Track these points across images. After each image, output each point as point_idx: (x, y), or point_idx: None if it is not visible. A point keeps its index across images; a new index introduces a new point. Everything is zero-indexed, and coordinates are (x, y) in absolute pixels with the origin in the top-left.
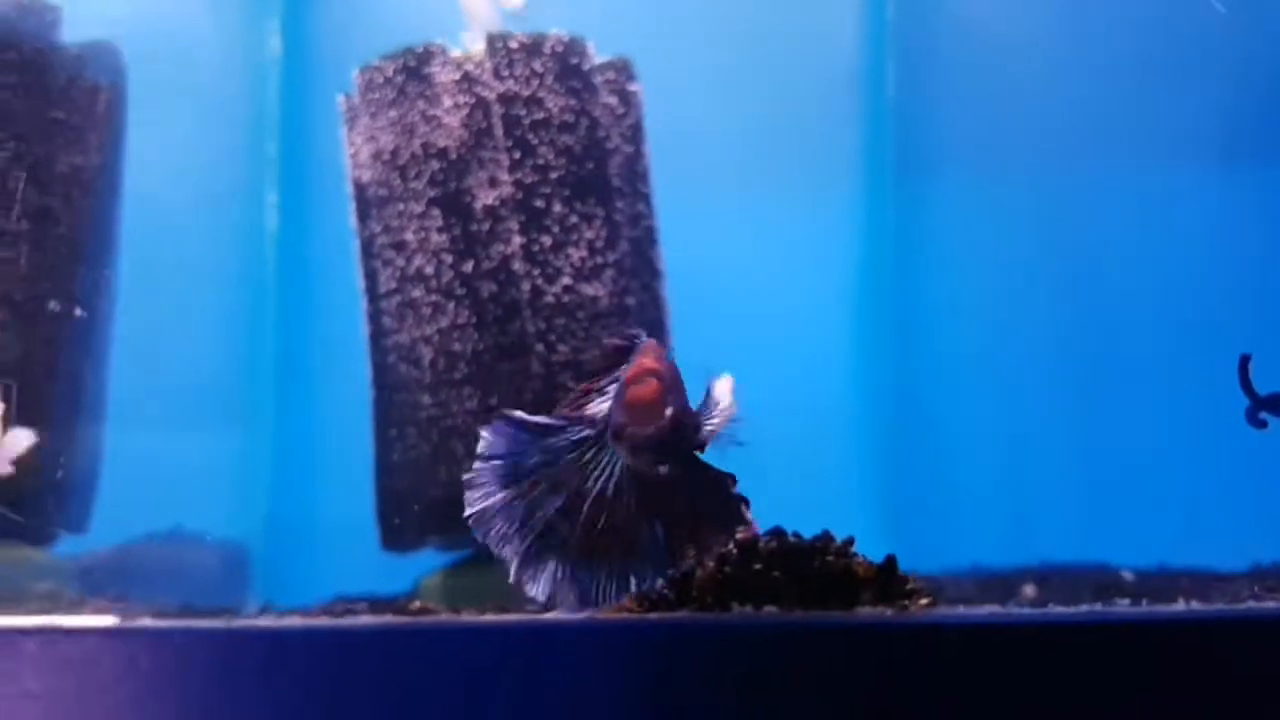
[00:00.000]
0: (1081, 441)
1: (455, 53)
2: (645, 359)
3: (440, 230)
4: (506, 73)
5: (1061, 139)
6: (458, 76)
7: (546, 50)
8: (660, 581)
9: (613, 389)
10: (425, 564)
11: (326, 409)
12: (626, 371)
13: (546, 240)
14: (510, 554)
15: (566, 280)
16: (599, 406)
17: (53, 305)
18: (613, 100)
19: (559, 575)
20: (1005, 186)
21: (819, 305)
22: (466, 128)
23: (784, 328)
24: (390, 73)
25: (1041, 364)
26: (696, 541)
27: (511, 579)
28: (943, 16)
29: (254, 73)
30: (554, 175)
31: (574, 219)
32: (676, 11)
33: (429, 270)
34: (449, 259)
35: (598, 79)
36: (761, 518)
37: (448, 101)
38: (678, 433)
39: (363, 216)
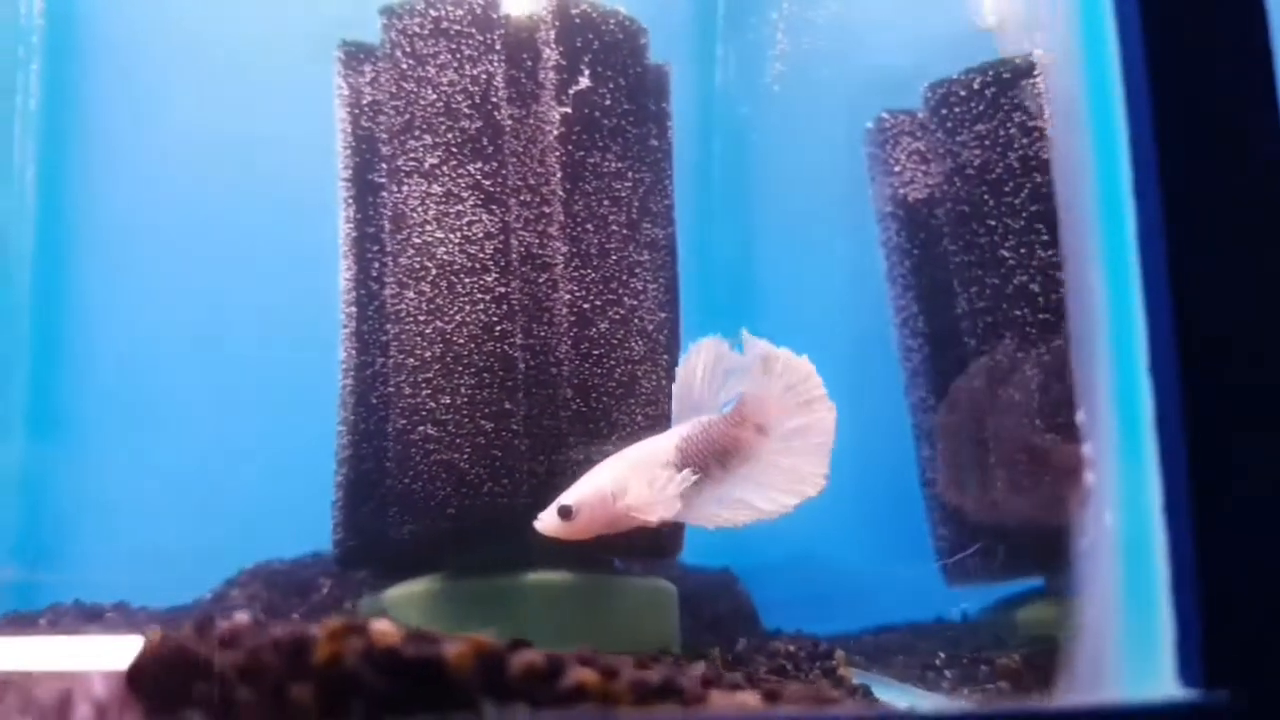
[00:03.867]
0: None
1: (1039, 61)
2: None
3: (1047, 246)
4: None
5: None
6: (1042, 87)
7: None
8: None
9: None
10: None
11: None
12: None
13: None
14: None
15: None
16: None
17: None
18: None
19: None
20: None
21: None
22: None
23: None
24: (976, 86)
25: None
26: None
27: None
28: None
29: (700, 100)
30: None
31: None
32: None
33: (1034, 288)
34: (1057, 275)
35: None
36: None
37: (1046, 112)
38: None
39: (915, 233)
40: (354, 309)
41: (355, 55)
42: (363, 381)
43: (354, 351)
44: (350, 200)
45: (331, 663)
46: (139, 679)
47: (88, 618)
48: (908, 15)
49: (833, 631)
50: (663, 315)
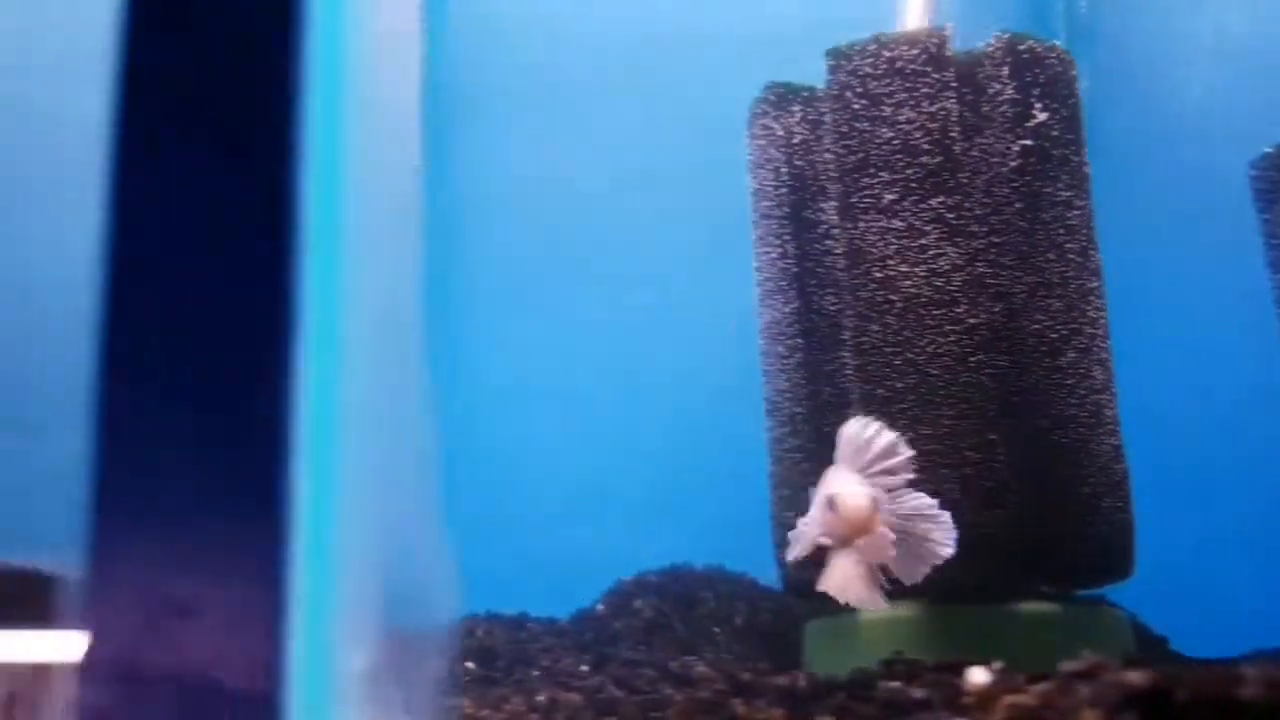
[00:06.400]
0: None
1: None
2: None
3: None
4: None
5: None
6: None
7: None
8: None
9: None
10: None
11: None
12: None
13: None
14: None
15: None
16: None
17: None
18: None
19: None
20: None
21: None
22: None
23: None
24: None
25: None
26: None
27: None
28: None
29: None
30: None
31: None
32: None
33: None
34: None
35: None
36: None
37: None
38: None
39: None
40: (799, 340)
41: (785, 97)
42: (815, 411)
43: (802, 381)
44: (787, 236)
45: None
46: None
47: (514, 627)
48: None
49: (1225, 656)
50: (1109, 343)
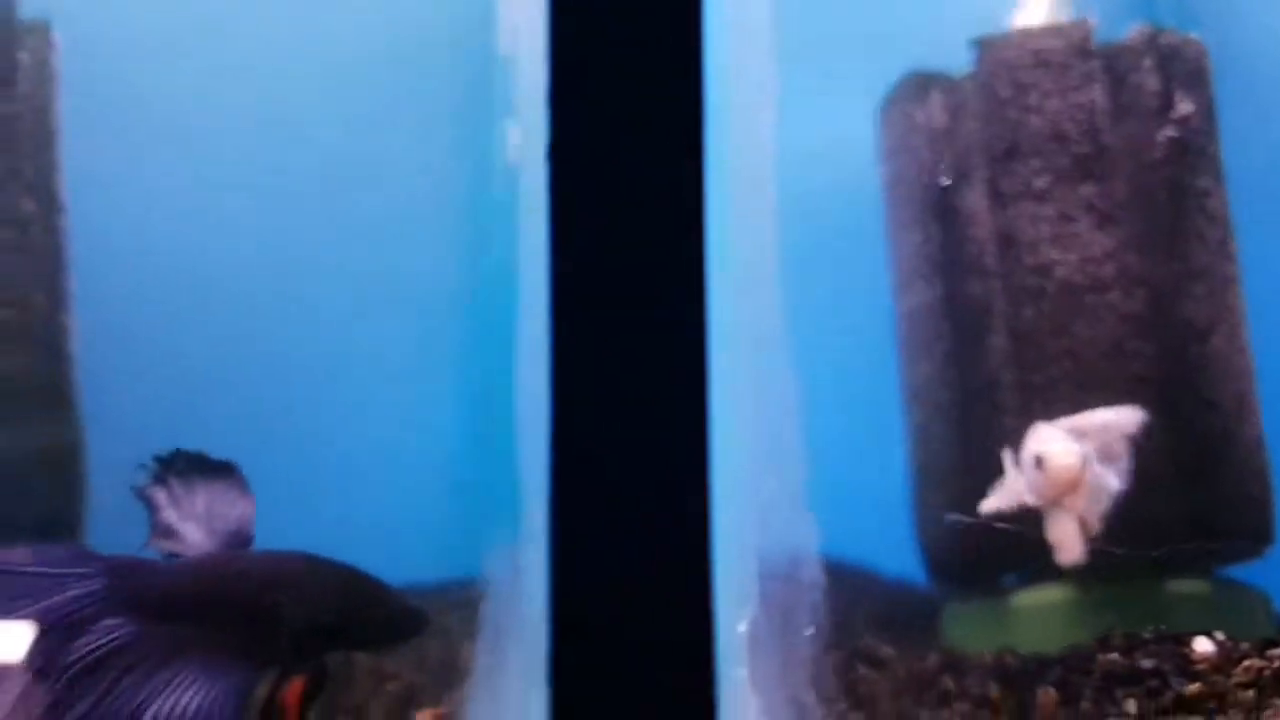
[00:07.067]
0: None
1: None
2: None
3: None
4: None
5: None
6: None
7: None
8: None
9: None
10: None
11: None
12: None
13: None
14: None
15: None
16: None
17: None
18: None
19: None
20: None
21: None
22: None
23: None
24: None
25: None
26: None
27: None
28: None
29: None
30: None
31: None
32: None
33: None
34: None
35: None
36: None
37: None
38: None
39: None
40: (945, 326)
41: (923, 85)
42: (962, 397)
43: (949, 367)
44: (929, 222)
45: None
46: None
47: None
48: None
49: None
50: (1247, 330)
